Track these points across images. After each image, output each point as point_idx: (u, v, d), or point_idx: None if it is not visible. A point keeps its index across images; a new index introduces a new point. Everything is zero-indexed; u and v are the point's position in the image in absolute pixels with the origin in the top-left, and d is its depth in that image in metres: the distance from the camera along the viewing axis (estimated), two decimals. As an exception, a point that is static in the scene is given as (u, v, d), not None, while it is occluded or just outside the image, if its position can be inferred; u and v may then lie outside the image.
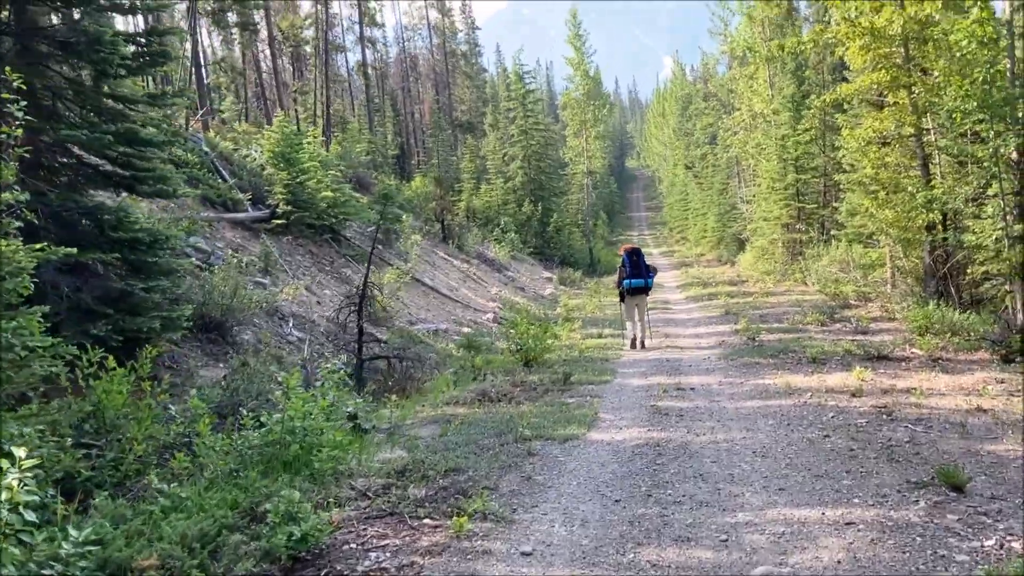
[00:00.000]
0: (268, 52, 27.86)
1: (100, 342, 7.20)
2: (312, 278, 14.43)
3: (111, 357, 5.94)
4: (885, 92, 15.88)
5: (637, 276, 14.46)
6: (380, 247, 18.08)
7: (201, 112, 20.71)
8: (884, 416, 7.51)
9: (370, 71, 42.90)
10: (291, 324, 11.63)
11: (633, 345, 14.41)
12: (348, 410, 8.14)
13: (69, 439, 5.34)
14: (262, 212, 15.43)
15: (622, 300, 14.57)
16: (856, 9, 15.17)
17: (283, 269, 13.85)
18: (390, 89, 53.29)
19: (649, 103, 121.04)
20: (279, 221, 15.18)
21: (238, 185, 15.90)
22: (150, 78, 21.71)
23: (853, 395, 8.52)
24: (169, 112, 16.41)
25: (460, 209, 35.55)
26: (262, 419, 6.41)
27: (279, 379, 6.49)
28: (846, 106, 23.80)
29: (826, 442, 6.77)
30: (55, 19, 8.06)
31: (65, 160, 7.94)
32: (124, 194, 9.01)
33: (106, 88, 7.69)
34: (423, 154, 49.80)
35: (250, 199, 15.77)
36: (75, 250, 5.51)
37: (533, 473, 6.34)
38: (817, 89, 29.50)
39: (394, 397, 9.14)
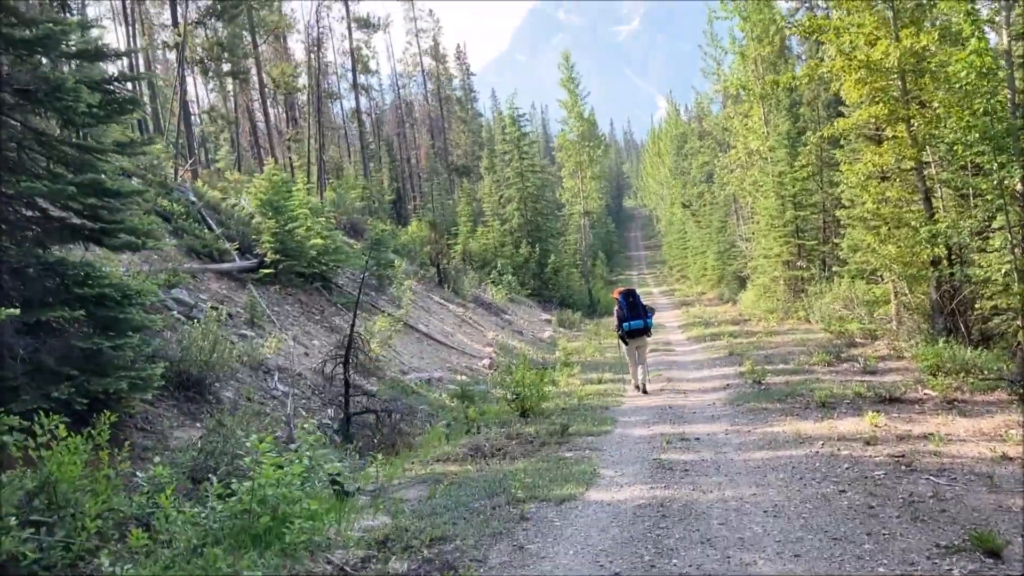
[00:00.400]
0: (260, 100, 27.81)
1: (64, 405, 6.75)
2: (300, 328, 13.99)
3: (62, 426, 5.46)
4: (883, 126, 15.64)
5: (636, 317, 14.04)
6: (372, 293, 17.69)
7: (190, 162, 20.46)
8: (903, 467, 7.00)
9: (364, 117, 43.01)
10: (276, 378, 11.16)
11: (637, 389, 13.93)
12: (331, 472, 7.65)
13: (13, 518, 4.85)
14: (250, 262, 15.04)
15: (624, 343, 14.10)
16: (851, 43, 14.96)
17: (270, 320, 13.42)
18: (386, 135, 53.47)
19: (644, 143, 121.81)
20: (267, 271, 14.78)
21: (225, 235, 15.54)
22: (137, 128, 21.57)
23: (867, 443, 8.02)
24: (152, 161, 16.20)
25: (456, 252, 35.25)
26: (233, 486, 5.92)
27: (248, 443, 6.00)
28: (843, 141, 23.69)
29: (842, 498, 6.27)
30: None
31: (30, 214, 7.55)
32: (95, 248, 8.60)
33: (74, 138, 7.34)
34: (419, 199, 49.74)
35: (237, 249, 15.40)
36: (17, 311, 5.07)
37: (526, 541, 5.83)
38: (813, 125, 29.44)
39: (379, 456, 8.64)
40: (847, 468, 7.16)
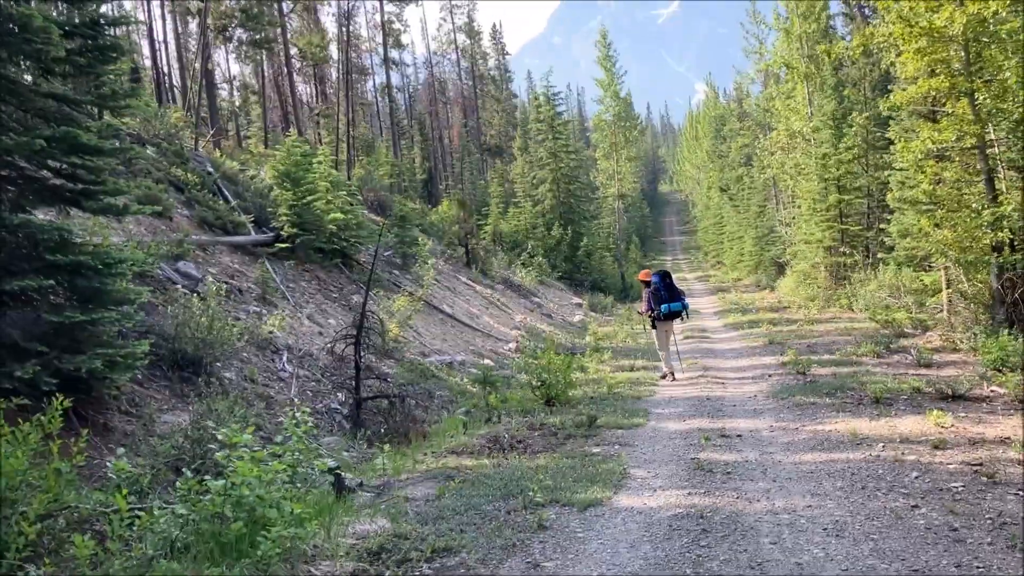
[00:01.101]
0: (287, 72, 27.08)
1: (29, 386, 6.05)
2: (316, 306, 13.27)
3: None
4: (944, 100, 14.42)
5: (674, 299, 13.15)
6: (396, 272, 16.96)
7: (211, 132, 19.81)
8: (983, 478, 6.04)
9: (396, 94, 42.22)
10: (285, 358, 10.44)
11: (666, 377, 13.06)
12: (331, 464, 6.89)
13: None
14: (266, 235, 14.35)
15: (653, 327, 13.19)
16: (911, 8, 13.76)
17: (284, 296, 12.71)
18: (418, 113, 52.66)
19: (681, 127, 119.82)
20: (284, 245, 14.07)
21: (241, 207, 14.87)
22: (156, 96, 20.97)
23: (936, 447, 7.05)
24: (169, 130, 15.55)
25: (487, 233, 34.42)
26: (209, 484, 5.17)
27: (221, 435, 5.24)
28: (892, 123, 22.37)
29: (917, 516, 5.34)
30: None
31: (5, 173, 6.83)
32: (101, 217, 7.90)
33: (44, 87, 6.59)
34: (451, 179, 48.91)
35: (253, 222, 14.72)
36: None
37: (542, 557, 5.00)
38: (859, 106, 28.06)
39: (386, 447, 7.85)
40: (917, 477, 6.21)
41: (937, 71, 13.55)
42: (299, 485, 5.96)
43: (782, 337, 18.02)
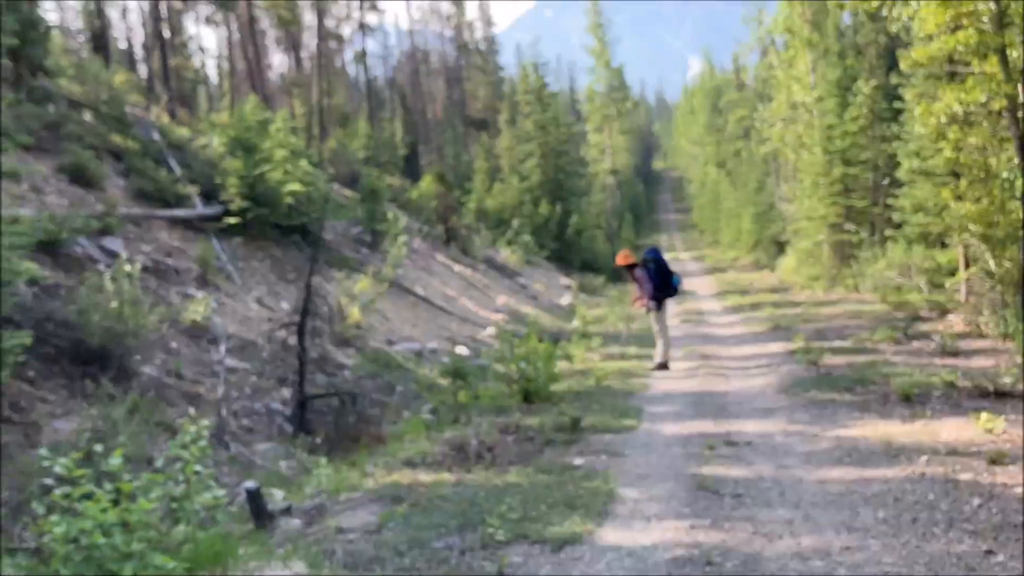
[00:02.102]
0: (250, 36, 25.28)
1: None
2: (268, 288, 11.89)
3: None
4: (970, 58, 12.99)
5: (672, 276, 11.87)
6: (365, 251, 15.58)
7: (167, 99, 18.25)
8: (1069, 509, 4.74)
9: (374, 61, 40.39)
10: (223, 348, 9.07)
11: (662, 367, 11.74)
12: (248, 486, 5.56)
13: None
14: (214, 209, 12.93)
15: (657, 310, 11.72)
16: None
17: (229, 278, 11.33)
18: (399, 86, 50.86)
19: (677, 102, 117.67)
20: (234, 220, 12.65)
21: (189, 178, 13.43)
22: (105, 60, 19.29)
23: (993, 462, 5.74)
24: (111, 94, 14.07)
25: (470, 210, 32.90)
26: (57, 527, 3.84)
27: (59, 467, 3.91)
28: (903, 87, 20.97)
29: (992, 564, 4.04)
30: None
31: None
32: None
33: None
34: (435, 154, 47.24)
35: (201, 194, 13.30)
36: None
37: (496, 635, 3.67)
38: (865, 75, 26.63)
39: (323, 460, 6.50)
40: (980, 506, 4.90)
41: (965, 24, 12.13)
42: (190, 521, 4.61)
43: (787, 321, 16.73)
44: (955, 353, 11.12)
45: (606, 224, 46.07)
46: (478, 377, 11.01)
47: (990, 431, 6.59)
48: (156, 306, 8.50)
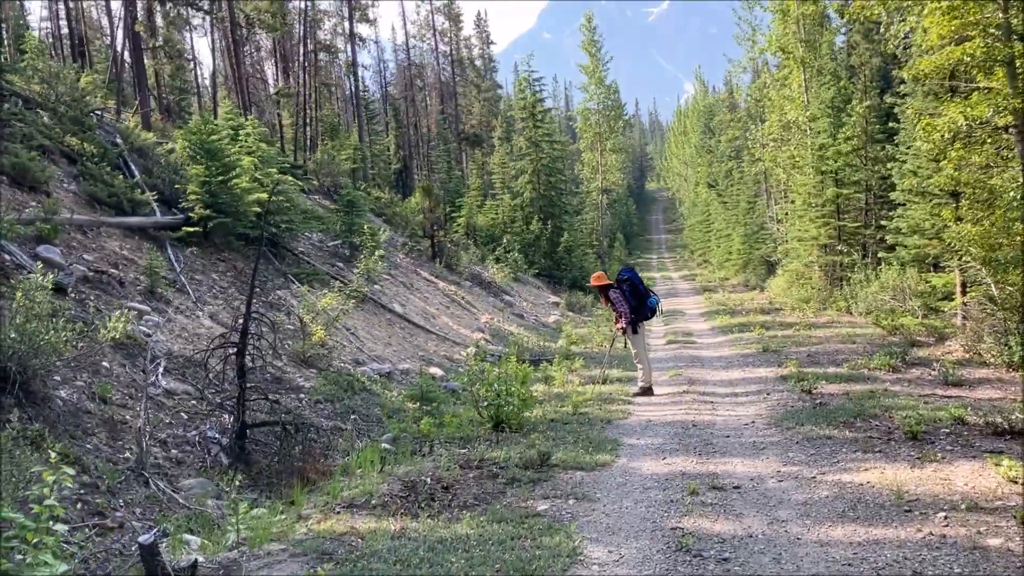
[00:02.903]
0: (231, 41, 24.49)
1: None
2: (226, 302, 11.03)
3: None
4: (973, 72, 12.33)
5: (650, 296, 11.14)
6: (340, 265, 14.75)
7: (136, 103, 17.37)
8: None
9: (364, 73, 39.71)
10: (162, 369, 8.22)
11: (644, 393, 10.96)
12: (143, 540, 4.71)
13: None
14: (174, 217, 12.11)
15: (634, 333, 11.02)
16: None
17: (182, 290, 10.49)
18: (393, 99, 50.21)
19: (670, 123, 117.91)
20: (194, 229, 11.84)
21: (148, 184, 12.60)
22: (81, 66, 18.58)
23: None
24: (73, 94, 13.28)
25: (460, 225, 32.16)
26: None
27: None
28: (899, 106, 20.40)
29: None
30: None
31: None
32: None
33: None
34: (427, 169, 46.56)
35: (161, 200, 12.48)
36: None
37: None
38: (858, 95, 26.10)
39: (244, 506, 5.66)
40: (1013, 580, 4.10)
41: (971, 35, 11.47)
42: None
43: (777, 343, 15.98)
44: (959, 384, 10.37)
45: (597, 242, 45.41)
46: (448, 402, 10.19)
47: (1013, 480, 5.80)
48: (76, 321, 7.65)
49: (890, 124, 22.77)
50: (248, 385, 7.54)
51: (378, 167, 40.48)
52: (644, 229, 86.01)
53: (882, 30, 21.18)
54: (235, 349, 7.33)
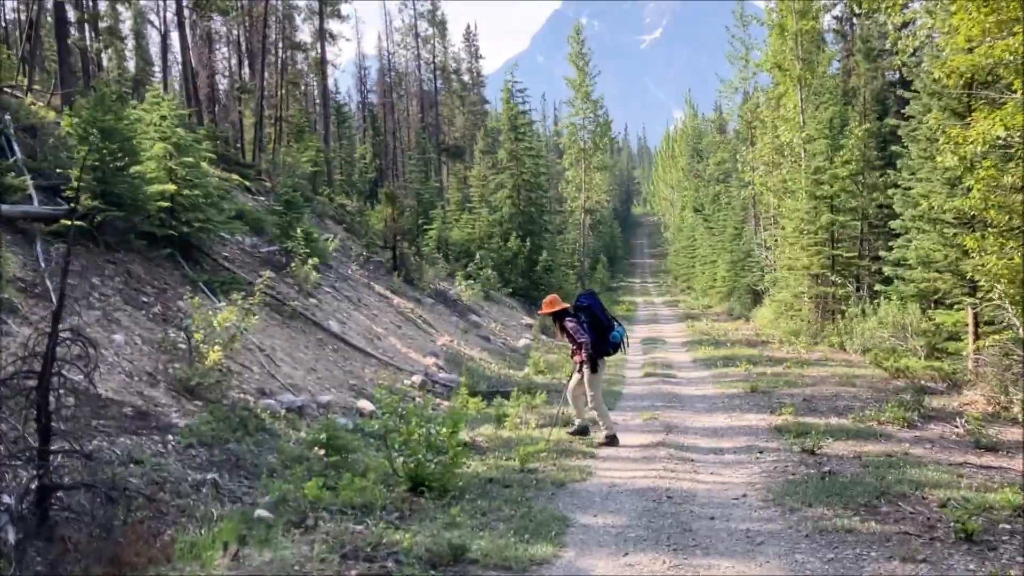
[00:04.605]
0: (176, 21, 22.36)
1: None
2: (104, 314, 8.99)
3: None
4: (1012, 76, 10.55)
5: (614, 328, 9.20)
6: (273, 274, 12.71)
7: (53, 83, 15.36)
8: None
9: (332, 70, 37.71)
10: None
11: (611, 441, 9.01)
12: None
13: None
14: (54, 208, 10.10)
15: (593, 372, 9.04)
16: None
17: (43, 295, 8.46)
18: (371, 106, 48.34)
19: (658, 148, 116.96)
20: (76, 223, 9.78)
21: (32, 168, 10.61)
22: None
23: None
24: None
25: (431, 238, 30.21)
26: None
27: None
28: (900, 130, 18.69)
29: None
30: None
31: None
32: None
33: None
34: (403, 178, 44.70)
35: (43, 187, 10.48)
36: None
37: None
38: (858, 118, 24.51)
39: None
40: None
41: (1016, 31, 9.70)
42: None
43: (767, 383, 14.09)
44: (994, 449, 8.50)
45: (579, 263, 43.59)
46: (363, 449, 8.18)
47: None
48: None
49: (891, 148, 21.12)
50: (62, 428, 5.51)
51: (352, 174, 38.56)
52: (628, 253, 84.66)
53: (889, 33, 19.63)
54: (34, 382, 5.30)
